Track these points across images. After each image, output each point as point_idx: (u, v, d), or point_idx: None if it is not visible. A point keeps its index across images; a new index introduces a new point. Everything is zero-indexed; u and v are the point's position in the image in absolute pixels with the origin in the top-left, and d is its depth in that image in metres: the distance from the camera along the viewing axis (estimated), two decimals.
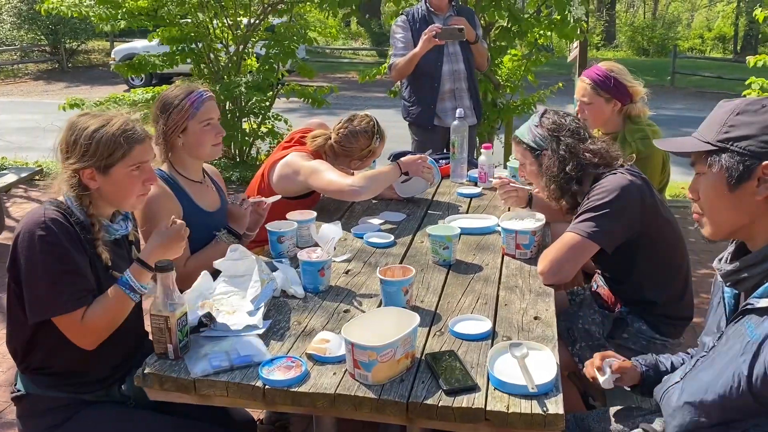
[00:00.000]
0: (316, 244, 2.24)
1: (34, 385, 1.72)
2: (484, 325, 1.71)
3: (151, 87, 6.57)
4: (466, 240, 2.31)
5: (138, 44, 14.70)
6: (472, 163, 3.17)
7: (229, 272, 1.98)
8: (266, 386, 1.50)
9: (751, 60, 5.23)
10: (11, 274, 1.65)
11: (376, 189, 2.55)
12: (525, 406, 1.39)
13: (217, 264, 1.98)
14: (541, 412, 1.38)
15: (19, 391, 1.74)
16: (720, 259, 1.41)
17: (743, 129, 1.27)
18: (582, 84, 2.78)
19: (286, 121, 6.73)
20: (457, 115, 2.95)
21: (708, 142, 1.31)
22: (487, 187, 2.89)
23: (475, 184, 2.96)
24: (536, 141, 2.18)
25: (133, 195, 1.77)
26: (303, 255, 1.97)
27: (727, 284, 1.38)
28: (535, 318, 1.78)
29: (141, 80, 13.49)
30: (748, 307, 1.29)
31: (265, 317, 1.79)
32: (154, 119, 2.22)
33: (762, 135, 1.25)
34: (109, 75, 15.58)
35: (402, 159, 2.62)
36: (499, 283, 1.99)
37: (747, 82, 5.30)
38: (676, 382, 1.46)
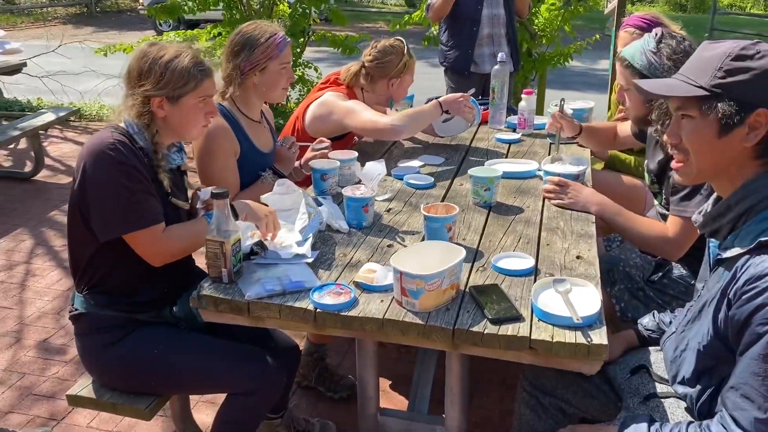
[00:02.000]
0: (358, 183, 2.29)
1: (92, 304, 1.80)
2: (526, 262, 1.75)
3: (183, 31, 6.55)
4: (506, 184, 2.33)
5: None
6: (510, 110, 3.15)
7: (276, 206, 2.03)
8: (317, 310, 1.56)
9: None
10: (78, 196, 1.71)
11: (417, 127, 2.57)
12: (569, 336, 1.44)
13: (265, 198, 2.03)
14: (585, 342, 1.42)
15: (76, 309, 1.83)
16: (699, 212, 1.42)
17: (739, 75, 1.24)
18: (630, 36, 2.74)
19: (316, 69, 6.70)
20: (498, 60, 2.92)
21: (701, 87, 1.28)
22: (527, 133, 2.89)
23: (514, 131, 2.96)
24: (651, 69, 2.03)
25: (197, 126, 1.85)
26: (348, 191, 2.01)
27: (706, 235, 1.40)
28: (578, 257, 1.81)
29: (169, 26, 13.48)
30: (719, 257, 1.33)
31: (312, 248, 1.84)
32: (230, 54, 2.25)
33: (757, 81, 1.23)
34: (137, 20, 15.54)
35: (443, 97, 2.62)
36: (541, 225, 2.02)
37: None
38: (672, 333, 1.50)
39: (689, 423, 1.31)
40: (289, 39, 2.30)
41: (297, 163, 2.51)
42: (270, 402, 1.82)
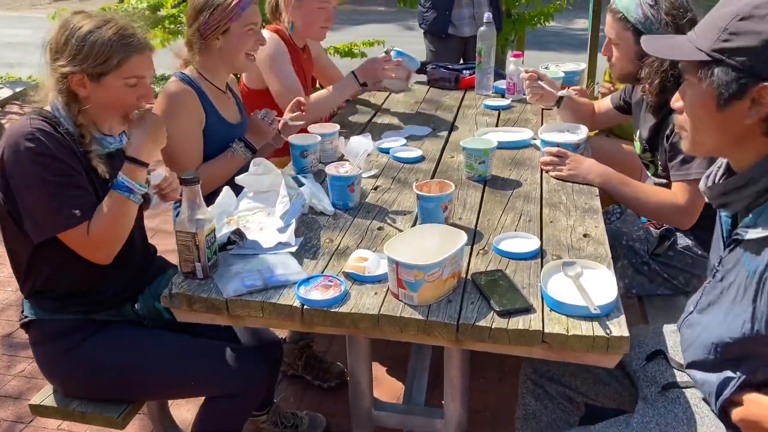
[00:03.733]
0: (341, 159, 2.11)
1: (42, 310, 1.62)
2: (531, 243, 1.60)
3: None
4: (500, 155, 2.16)
5: None
6: (498, 74, 2.97)
7: (253, 188, 1.86)
8: (305, 306, 1.40)
9: None
10: (3, 194, 1.51)
11: (323, 110, 2.43)
12: (586, 328, 1.30)
13: (240, 179, 1.85)
14: (604, 334, 1.28)
15: (26, 317, 1.65)
16: (707, 176, 1.28)
17: (744, 39, 1.08)
18: None
19: None
20: (485, 20, 2.73)
21: (702, 50, 1.13)
22: (517, 99, 2.72)
23: (503, 96, 2.79)
24: (646, 23, 1.89)
25: (122, 111, 1.61)
26: (331, 169, 1.84)
27: (715, 206, 1.27)
28: (585, 235, 1.67)
29: None
30: (737, 237, 1.19)
31: (296, 235, 1.68)
32: (190, 17, 2.04)
33: (765, 48, 1.06)
34: None
35: (357, 69, 2.46)
36: (542, 200, 1.87)
37: None
38: (690, 313, 1.38)
39: None
40: None
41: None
42: (252, 404, 1.68)
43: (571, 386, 1.66)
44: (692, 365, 1.36)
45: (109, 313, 1.65)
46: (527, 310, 1.36)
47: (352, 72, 2.46)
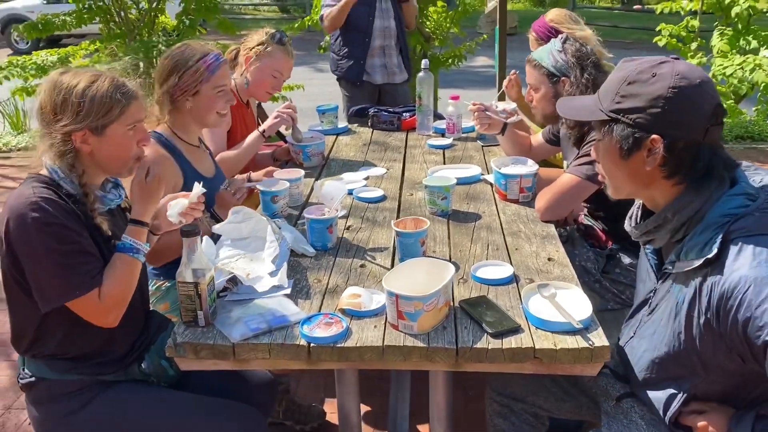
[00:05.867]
0: (306, 203, 2.21)
1: (49, 369, 1.60)
2: (506, 270, 1.75)
3: (55, 49, 6.04)
4: (455, 190, 2.33)
5: (17, 4, 13.48)
6: (436, 115, 3.17)
7: (231, 235, 1.91)
8: (311, 344, 1.48)
9: (658, 7, 5.80)
10: (8, 263, 1.51)
11: (232, 169, 2.47)
12: (571, 342, 1.46)
13: (217, 228, 1.90)
14: (587, 345, 1.44)
15: (29, 375, 1.62)
16: (630, 217, 1.49)
17: (633, 100, 1.30)
18: (536, 40, 2.88)
19: None
20: (422, 66, 2.93)
21: (603, 111, 1.36)
22: (458, 137, 2.92)
23: (443, 135, 2.98)
24: (557, 66, 2.20)
25: (129, 158, 1.65)
26: (311, 212, 1.93)
27: (642, 244, 1.47)
28: (549, 259, 1.84)
29: (27, 44, 12.42)
30: (666, 272, 1.39)
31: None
32: (159, 78, 2.08)
33: (650, 108, 1.28)
34: None
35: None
36: (503, 230, 2.04)
37: (657, 29, 5.71)
38: (631, 337, 1.55)
39: None
40: (223, 59, 2.15)
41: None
42: None
43: (535, 404, 1.79)
44: (640, 385, 1.52)
45: (116, 374, 1.65)
46: (516, 330, 1.50)
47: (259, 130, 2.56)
